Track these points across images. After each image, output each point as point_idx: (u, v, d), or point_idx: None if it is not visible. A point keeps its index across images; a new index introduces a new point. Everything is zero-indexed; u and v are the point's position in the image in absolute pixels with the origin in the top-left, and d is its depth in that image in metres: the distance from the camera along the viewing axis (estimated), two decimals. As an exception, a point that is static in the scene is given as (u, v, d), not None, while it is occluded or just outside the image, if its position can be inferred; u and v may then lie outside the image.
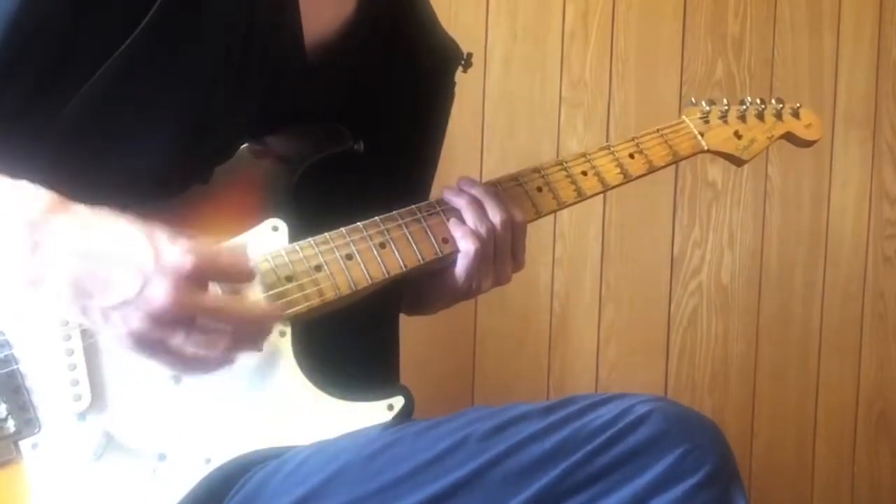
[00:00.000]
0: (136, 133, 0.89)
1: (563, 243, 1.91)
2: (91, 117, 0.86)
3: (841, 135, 2.00)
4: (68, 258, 0.76)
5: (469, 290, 1.02)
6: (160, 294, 0.74)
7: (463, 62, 1.11)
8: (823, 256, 2.01)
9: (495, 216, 0.99)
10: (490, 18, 1.87)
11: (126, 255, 0.76)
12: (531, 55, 1.88)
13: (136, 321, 0.75)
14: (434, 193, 1.03)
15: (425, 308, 1.13)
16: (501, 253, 1.01)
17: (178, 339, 0.77)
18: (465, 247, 0.98)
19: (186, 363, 0.78)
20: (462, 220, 0.99)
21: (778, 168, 1.98)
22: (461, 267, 0.99)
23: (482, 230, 0.98)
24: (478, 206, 0.99)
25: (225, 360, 0.79)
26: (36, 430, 0.83)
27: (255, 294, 0.87)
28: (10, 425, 0.82)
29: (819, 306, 2.02)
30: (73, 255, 0.76)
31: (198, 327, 0.77)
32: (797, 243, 2.00)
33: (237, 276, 0.82)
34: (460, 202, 1.00)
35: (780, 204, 1.99)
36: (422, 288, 1.07)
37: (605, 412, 0.81)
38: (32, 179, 0.86)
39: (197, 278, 0.76)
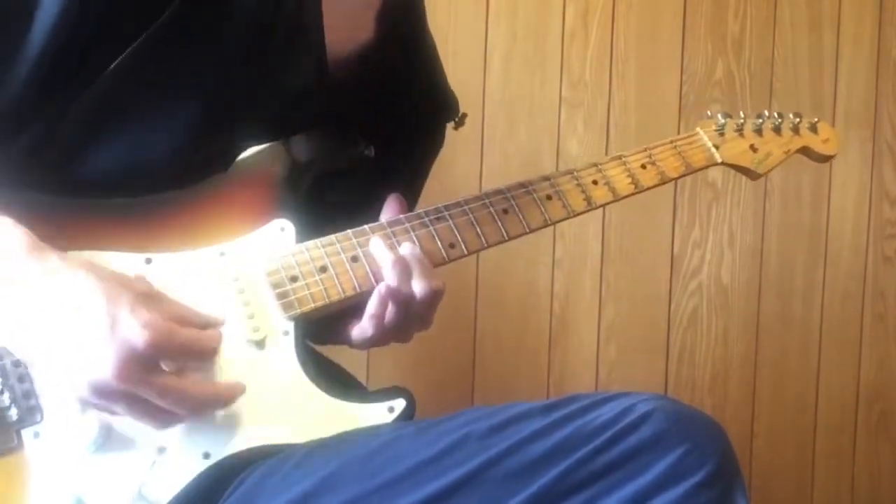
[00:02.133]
0: (152, 120, 0.90)
1: (563, 243, 1.91)
2: (111, 100, 0.88)
3: (841, 135, 1.99)
4: (28, 315, 0.77)
5: (362, 344, 0.94)
6: (105, 367, 0.76)
7: (456, 119, 1.11)
8: (823, 256, 2.01)
9: (418, 287, 0.91)
10: (490, 18, 1.87)
11: (82, 321, 0.76)
12: (531, 55, 1.88)
13: (81, 389, 0.78)
14: (439, 198, 1.02)
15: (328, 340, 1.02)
16: (411, 320, 0.93)
17: (120, 408, 0.79)
18: (376, 313, 0.91)
19: (135, 419, 0.81)
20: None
21: (778, 168, 1.97)
22: (367, 324, 0.91)
23: (399, 298, 0.91)
24: (404, 268, 0.91)
25: (168, 426, 0.82)
26: (38, 419, 0.83)
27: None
28: (13, 413, 0.82)
29: (819, 306, 2.02)
30: (33, 311, 0.77)
31: (140, 401, 0.79)
32: (797, 243, 2.00)
33: (196, 354, 0.83)
34: (386, 259, 0.92)
35: (779, 204, 1.99)
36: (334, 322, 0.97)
37: (607, 411, 0.80)
38: (51, 165, 0.87)
39: (149, 356, 0.77)
